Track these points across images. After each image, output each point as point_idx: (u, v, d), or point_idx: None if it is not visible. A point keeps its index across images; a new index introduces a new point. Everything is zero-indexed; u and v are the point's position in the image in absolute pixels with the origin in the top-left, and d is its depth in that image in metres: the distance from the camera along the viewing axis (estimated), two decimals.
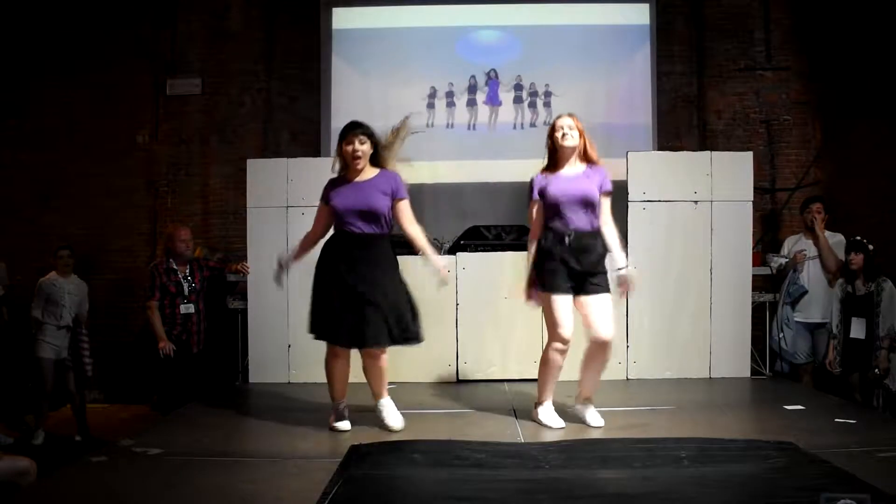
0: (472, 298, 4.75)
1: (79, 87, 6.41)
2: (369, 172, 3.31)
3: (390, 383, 4.57)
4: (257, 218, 4.82)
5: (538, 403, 3.54)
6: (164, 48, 6.43)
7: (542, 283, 3.34)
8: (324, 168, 4.86)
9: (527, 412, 3.69)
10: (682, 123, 6.48)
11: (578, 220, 3.30)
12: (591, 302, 3.30)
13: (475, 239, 4.99)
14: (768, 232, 6.23)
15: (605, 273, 3.36)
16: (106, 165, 6.39)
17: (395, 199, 3.28)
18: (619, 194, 4.13)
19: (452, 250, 4.97)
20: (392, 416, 3.42)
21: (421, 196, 5.98)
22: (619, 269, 3.37)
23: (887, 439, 3.04)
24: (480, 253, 4.85)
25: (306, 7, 6.54)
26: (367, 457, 2.87)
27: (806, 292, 4.88)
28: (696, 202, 4.77)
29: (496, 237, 5.00)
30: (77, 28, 6.42)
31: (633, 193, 4.74)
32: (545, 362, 3.42)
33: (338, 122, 6.43)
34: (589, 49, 6.48)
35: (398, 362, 4.33)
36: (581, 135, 3.37)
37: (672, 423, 3.47)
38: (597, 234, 3.34)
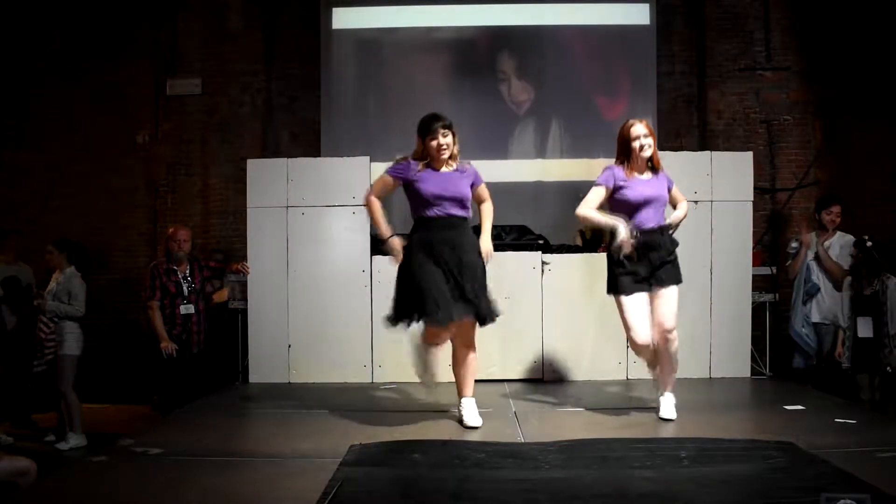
0: None
1: (79, 87, 6.41)
2: (449, 164, 3.50)
3: (390, 383, 4.60)
4: (257, 218, 4.82)
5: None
6: (164, 48, 6.43)
7: (613, 286, 3.49)
8: (324, 168, 4.93)
9: (527, 412, 3.68)
10: (682, 123, 6.48)
11: (649, 220, 3.46)
12: (659, 295, 3.47)
13: None
14: (768, 232, 6.23)
15: (673, 264, 3.50)
16: (106, 165, 6.39)
17: (475, 185, 3.56)
18: None
19: None
20: (472, 415, 3.44)
21: None
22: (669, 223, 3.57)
23: (887, 439, 3.05)
24: None
25: (306, 7, 6.54)
26: (367, 457, 2.87)
27: (819, 290, 4.79)
28: (696, 202, 4.77)
29: (496, 237, 4.96)
30: (77, 28, 6.42)
31: None
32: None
33: (338, 123, 6.45)
34: (589, 49, 6.48)
35: (398, 362, 4.33)
36: (654, 143, 3.49)
37: (672, 423, 3.47)
38: (664, 229, 3.51)
